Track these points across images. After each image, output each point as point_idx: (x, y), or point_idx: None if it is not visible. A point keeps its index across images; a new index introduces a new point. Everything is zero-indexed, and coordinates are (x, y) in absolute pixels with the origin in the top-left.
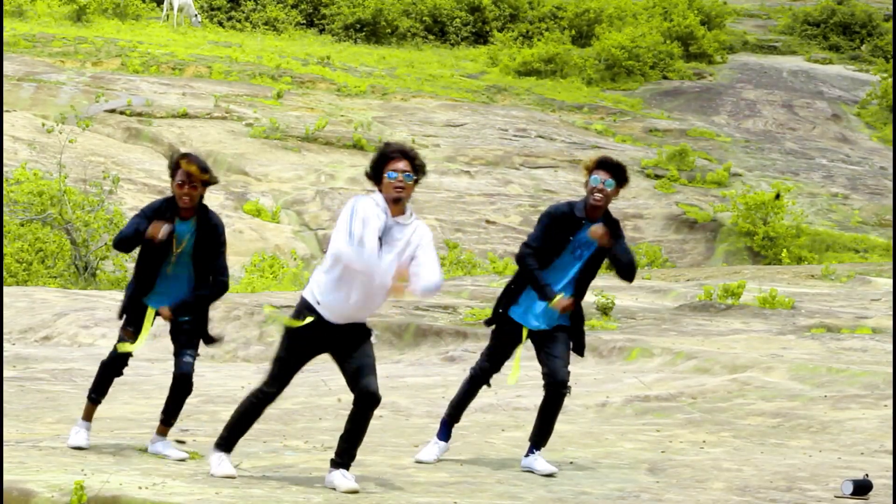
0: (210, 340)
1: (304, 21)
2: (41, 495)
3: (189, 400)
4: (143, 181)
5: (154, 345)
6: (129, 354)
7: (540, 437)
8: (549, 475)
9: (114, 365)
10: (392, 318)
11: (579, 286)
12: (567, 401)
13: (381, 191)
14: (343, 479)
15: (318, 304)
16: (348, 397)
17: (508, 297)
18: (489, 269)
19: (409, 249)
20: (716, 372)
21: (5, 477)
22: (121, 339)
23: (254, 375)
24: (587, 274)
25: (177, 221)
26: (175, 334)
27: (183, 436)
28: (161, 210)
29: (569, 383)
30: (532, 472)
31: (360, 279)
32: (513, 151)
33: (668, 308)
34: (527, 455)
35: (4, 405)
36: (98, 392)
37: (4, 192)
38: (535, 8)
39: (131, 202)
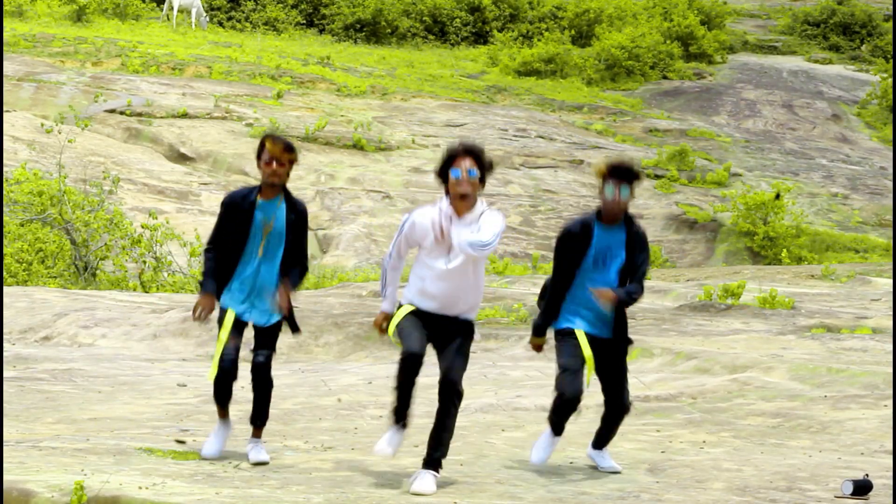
0: (296, 328)
1: (304, 21)
2: (41, 495)
3: (189, 400)
4: (143, 181)
5: (154, 345)
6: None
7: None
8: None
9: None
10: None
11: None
12: None
13: (447, 192)
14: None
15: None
16: (348, 397)
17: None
18: (489, 270)
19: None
20: (716, 372)
21: (5, 477)
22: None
23: None
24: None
25: (259, 202)
26: (257, 333)
27: (183, 436)
28: (244, 195)
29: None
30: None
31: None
32: (513, 151)
33: (668, 308)
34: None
35: (4, 405)
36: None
37: (4, 192)
38: (535, 8)
39: (131, 202)
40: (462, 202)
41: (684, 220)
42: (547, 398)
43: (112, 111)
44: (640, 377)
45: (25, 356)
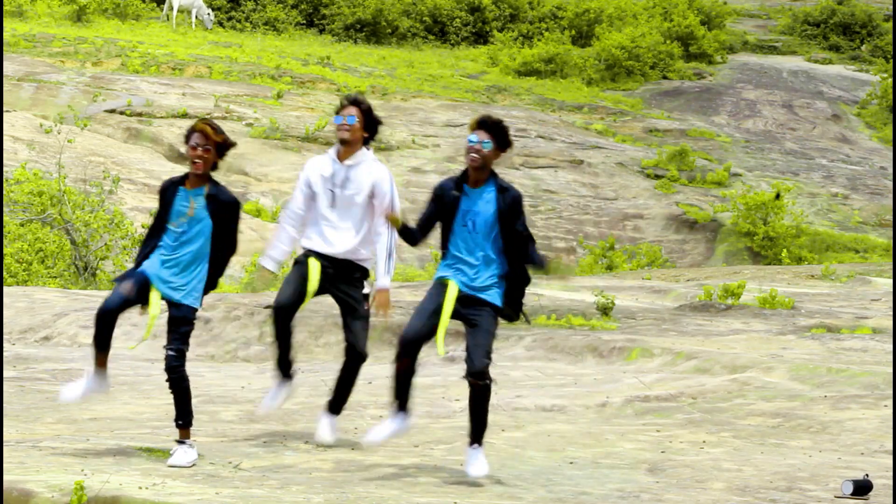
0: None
1: (304, 21)
2: (41, 495)
3: None
4: (143, 181)
5: (154, 345)
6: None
7: (472, 431)
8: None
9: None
10: (392, 319)
11: (508, 257)
12: (567, 401)
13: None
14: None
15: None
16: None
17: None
18: None
19: (365, 190)
20: (716, 372)
21: (5, 477)
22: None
23: (254, 375)
24: (508, 242)
25: (182, 190)
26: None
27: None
28: (174, 181)
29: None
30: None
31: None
32: (513, 151)
33: (668, 308)
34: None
35: (4, 405)
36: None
37: (4, 192)
38: (535, 8)
39: (131, 202)
40: (345, 147)
41: (684, 220)
42: (547, 398)
43: (112, 111)
44: (640, 377)
45: (25, 356)
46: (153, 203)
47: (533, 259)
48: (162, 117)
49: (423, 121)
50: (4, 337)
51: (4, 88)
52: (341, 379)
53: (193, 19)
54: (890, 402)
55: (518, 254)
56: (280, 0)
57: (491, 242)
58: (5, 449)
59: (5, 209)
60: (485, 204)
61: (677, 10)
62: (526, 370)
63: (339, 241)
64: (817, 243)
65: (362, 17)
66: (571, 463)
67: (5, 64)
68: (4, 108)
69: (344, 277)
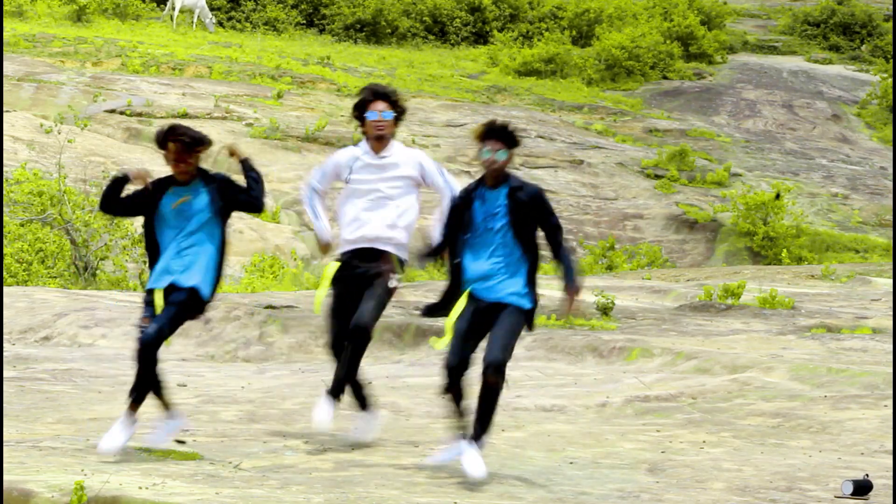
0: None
1: (304, 21)
2: (41, 495)
3: (189, 400)
4: None
5: None
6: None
7: (477, 426)
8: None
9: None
10: (392, 319)
11: (530, 253)
12: (567, 401)
13: (364, 132)
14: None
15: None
16: (348, 398)
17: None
18: None
19: (404, 175)
20: (716, 372)
21: (5, 477)
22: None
23: (254, 375)
24: (522, 238)
25: (172, 189)
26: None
27: (183, 436)
28: (160, 181)
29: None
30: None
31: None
32: (513, 151)
33: (668, 308)
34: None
35: (4, 405)
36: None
37: (4, 192)
38: (535, 8)
39: None
40: (379, 143)
41: (684, 220)
42: (547, 398)
43: (112, 111)
44: (640, 377)
45: (25, 356)
46: None
47: (562, 259)
48: (162, 117)
49: (423, 121)
50: (4, 337)
51: (4, 88)
52: (344, 359)
53: (195, 20)
54: (890, 402)
55: (552, 246)
56: (280, 0)
57: (511, 242)
58: (5, 449)
59: (5, 209)
60: (501, 203)
61: (677, 10)
62: (526, 370)
63: (372, 228)
64: (817, 243)
65: (362, 17)
66: (571, 463)
67: (5, 64)
68: (4, 108)
69: (374, 262)
